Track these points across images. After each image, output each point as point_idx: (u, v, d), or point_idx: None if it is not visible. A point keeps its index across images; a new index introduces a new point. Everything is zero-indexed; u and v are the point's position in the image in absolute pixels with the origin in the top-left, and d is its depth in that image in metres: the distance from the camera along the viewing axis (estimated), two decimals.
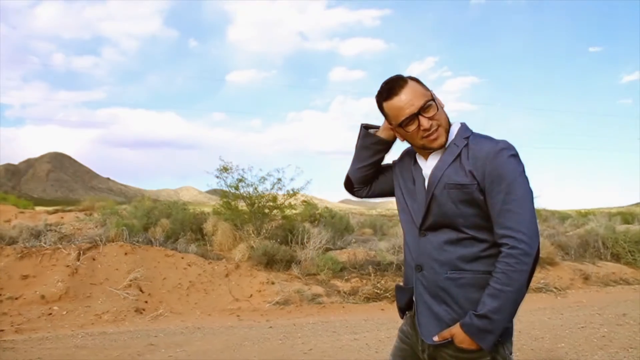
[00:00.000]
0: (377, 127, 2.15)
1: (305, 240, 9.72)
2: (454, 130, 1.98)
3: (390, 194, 2.22)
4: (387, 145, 2.14)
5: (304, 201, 11.44)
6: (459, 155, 1.90)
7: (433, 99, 1.93)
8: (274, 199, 10.49)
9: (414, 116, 1.90)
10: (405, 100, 1.91)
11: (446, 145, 1.94)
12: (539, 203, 14.83)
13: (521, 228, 1.76)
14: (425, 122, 1.90)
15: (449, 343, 1.87)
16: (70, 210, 25.34)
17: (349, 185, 2.28)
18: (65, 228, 10.04)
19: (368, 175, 2.20)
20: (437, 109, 1.92)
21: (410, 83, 1.94)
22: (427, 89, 1.96)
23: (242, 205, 10.62)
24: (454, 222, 1.89)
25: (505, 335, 1.87)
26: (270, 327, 6.58)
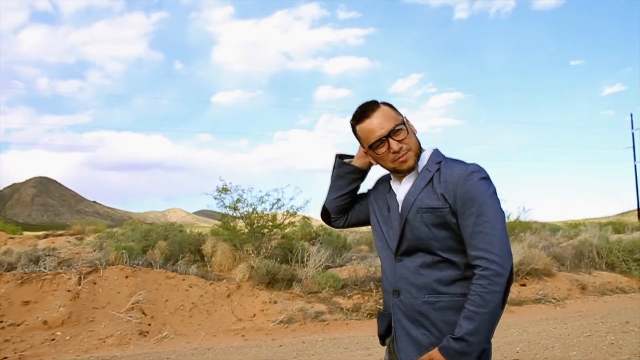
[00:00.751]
0: (352, 157, 2.20)
1: (305, 258, 9.74)
2: (426, 155, 2.02)
3: (367, 222, 2.24)
4: (362, 173, 2.18)
5: (305, 217, 11.47)
6: (431, 179, 1.94)
7: (404, 123, 1.98)
8: (274, 218, 10.54)
9: (384, 139, 1.95)
10: (376, 124, 1.96)
11: (418, 170, 1.99)
12: (531, 216, 14.99)
13: (493, 249, 1.79)
14: (394, 145, 1.95)
15: None
16: (60, 235, 25.13)
17: (326, 215, 2.31)
18: (63, 252, 9.97)
19: (344, 204, 2.24)
20: (407, 133, 1.97)
21: (383, 107, 1.99)
22: (399, 114, 2.02)
23: (240, 225, 10.63)
24: (428, 245, 1.91)
25: (484, 357, 1.88)
26: (280, 345, 6.59)
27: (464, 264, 1.89)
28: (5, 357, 6.56)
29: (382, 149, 1.97)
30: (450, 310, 1.88)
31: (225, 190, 10.37)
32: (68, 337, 7.21)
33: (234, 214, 10.45)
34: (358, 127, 2.02)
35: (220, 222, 10.89)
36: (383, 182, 2.17)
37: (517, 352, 5.62)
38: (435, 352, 1.85)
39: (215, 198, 10.49)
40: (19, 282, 8.23)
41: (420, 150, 2.01)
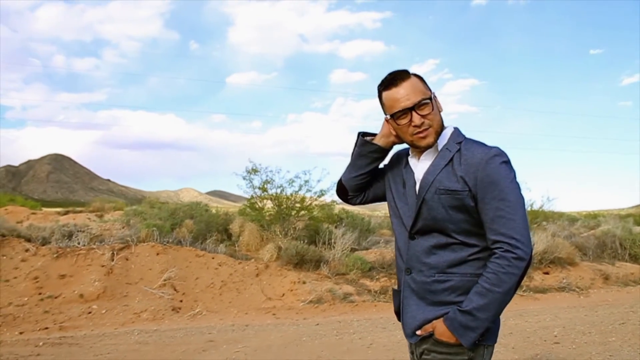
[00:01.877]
0: (374, 135, 2.14)
1: (332, 241, 9.86)
2: (447, 134, 1.99)
3: (384, 199, 2.22)
4: (384, 153, 2.12)
5: (333, 201, 11.52)
6: (451, 160, 1.91)
7: (430, 98, 1.94)
8: (302, 200, 10.65)
9: (408, 110, 1.92)
10: (402, 94, 1.93)
11: (438, 149, 1.96)
12: (553, 206, 14.93)
13: (515, 234, 1.78)
14: (417, 119, 1.91)
15: (429, 336, 1.89)
16: (80, 212, 25.46)
17: (344, 192, 2.27)
18: (94, 229, 10.16)
19: (363, 183, 2.19)
20: (432, 109, 1.93)
21: (413, 79, 1.96)
22: (428, 89, 1.98)
23: (268, 206, 10.76)
24: (444, 227, 1.90)
25: (489, 337, 1.89)
26: (317, 324, 6.73)
27: (477, 246, 1.89)
28: (47, 327, 6.76)
29: (404, 121, 1.94)
30: (460, 289, 1.88)
31: (255, 171, 10.49)
32: (104, 311, 7.39)
33: (263, 195, 10.57)
34: (384, 94, 1.99)
35: (247, 203, 11.02)
36: (400, 157, 2.14)
37: (555, 336, 5.72)
38: (439, 322, 1.86)
39: (244, 178, 10.61)
40: (55, 256, 8.42)
41: (441, 128, 1.98)
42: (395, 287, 2.13)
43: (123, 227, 11.01)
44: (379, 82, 2.02)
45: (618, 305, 8.00)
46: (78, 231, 9.77)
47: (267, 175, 10.53)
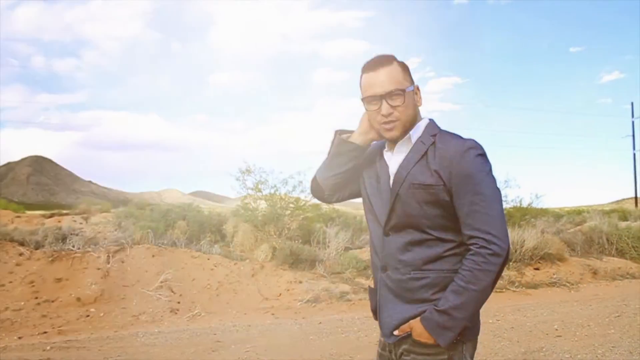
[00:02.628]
0: (351, 132, 2.07)
1: (327, 240, 9.94)
2: (422, 126, 1.95)
3: (359, 194, 2.16)
4: (362, 151, 2.05)
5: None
6: (426, 153, 1.87)
7: (403, 90, 1.89)
8: (297, 200, 10.72)
9: (379, 98, 1.89)
10: (378, 80, 1.89)
11: (412, 141, 1.92)
12: (541, 202, 15.20)
13: (491, 229, 1.75)
14: (385, 108, 1.88)
15: (407, 336, 1.86)
16: (66, 214, 25.21)
17: (319, 191, 2.21)
18: (87, 231, 10.13)
19: (340, 182, 2.11)
20: (404, 102, 1.89)
21: (394, 66, 1.92)
22: (408, 80, 1.94)
23: (262, 206, 10.81)
24: (418, 222, 1.86)
25: (467, 335, 1.86)
26: (320, 323, 6.80)
27: (453, 241, 1.86)
28: (45, 332, 6.73)
29: (373, 107, 1.91)
30: (436, 286, 1.84)
31: (248, 171, 10.54)
32: (102, 314, 7.37)
33: (257, 195, 10.63)
34: (363, 77, 1.95)
35: (241, 203, 11.06)
36: (373, 150, 2.09)
37: (556, 330, 5.90)
38: (416, 322, 1.83)
39: (237, 179, 10.65)
40: (50, 259, 8.38)
41: (412, 123, 1.93)
42: (372, 285, 2.10)
43: (115, 230, 10.98)
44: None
45: (609, 299, 8.20)
46: (71, 234, 9.73)
47: (260, 176, 10.60)
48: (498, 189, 1.85)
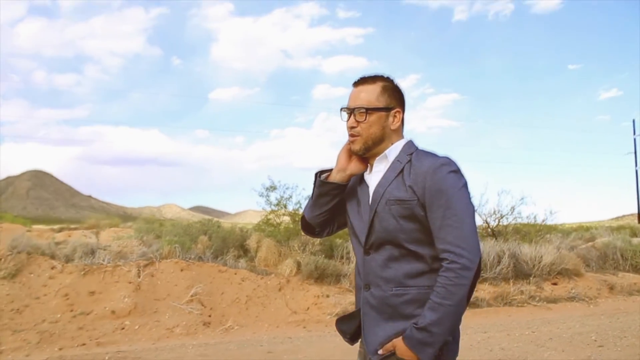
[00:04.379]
0: (330, 170, 2.15)
1: (351, 254, 10.09)
2: (399, 146, 2.04)
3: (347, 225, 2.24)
4: (343, 187, 2.14)
5: None
6: (402, 171, 1.95)
7: (371, 109, 2.01)
8: None
9: (349, 110, 2.05)
10: (355, 95, 2.05)
11: (389, 161, 2.02)
12: (556, 219, 15.33)
13: (460, 243, 1.82)
14: (349, 121, 2.04)
15: (392, 355, 1.91)
16: (75, 229, 25.37)
17: (310, 229, 2.28)
18: (113, 246, 10.30)
19: (328, 218, 2.21)
20: (365, 119, 2.01)
21: (376, 85, 2.04)
22: (384, 103, 2.04)
23: (286, 221, 10.99)
24: (396, 238, 1.92)
25: (447, 350, 1.91)
26: None
27: (431, 256, 1.91)
28: (84, 343, 6.89)
29: (344, 118, 2.07)
30: (418, 302, 1.89)
31: (272, 188, 10.74)
32: (137, 327, 7.52)
33: (282, 211, 10.81)
34: (351, 90, 2.10)
35: (264, 219, 11.25)
36: (354, 178, 2.16)
37: (595, 340, 6.06)
38: (399, 341, 1.88)
39: (261, 195, 10.85)
40: (82, 273, 8.54)
41: (373, 142, 2.03)
42: (353, 308, 2.18)
43: (139, 244, 11.13)
44: None
45: (633, 312, 8.38)
46: (99, 249, 9.91)
47: (284, 192, 10.80)
48: (471, 204, 1.93)
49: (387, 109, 2.04)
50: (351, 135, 2.04)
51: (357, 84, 2.07)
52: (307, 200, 2.27)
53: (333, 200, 2.14)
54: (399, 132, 2.09)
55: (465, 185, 1.92)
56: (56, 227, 26.84)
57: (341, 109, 2.07)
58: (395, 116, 2.06)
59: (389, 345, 1.91)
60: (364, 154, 2.06)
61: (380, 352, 1.93)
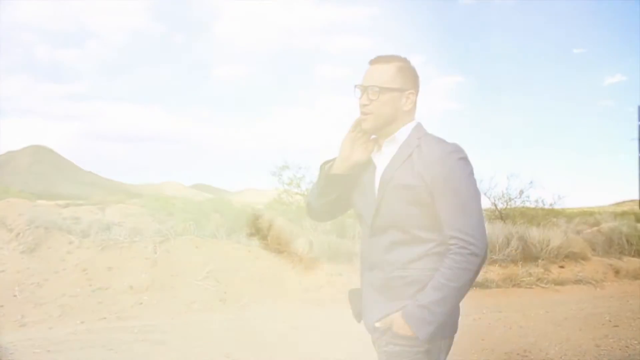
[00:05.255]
0: (334, 160, 2.15)
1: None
2: (409, 128, 2.04)
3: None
4: (349, 177, 2.12)
5: None
6: (410, 155, 1.96)
7: (380, 88, 2.00)
8: None
9: (363, 88, 2.03)
10: (370, 74, 2.04)
11: (399, 143, 2.02)
12: (563, 204, 15.46)
13: (469, 230, 1.85)
14: (362, 99, 2.02)
15: (388, 329, 1.95)
16: (80, 204, 25.53)
17: (316, 214, 2.30)
18: (128, 222, 10.42)
19: (335, 203, 2.19)
20: (378, 98, 2.00)
21: (390, 66, 2.03)
22: (399, 83, 2.03)
23: (299, 200, 11.10)
24: (402, 222, 1.94)
25: (445, 331, 1.96)
26: None
27: (435, 240, 1.93)
28: (105, 317, 7.04)
29: (359, 95, 2.05)
30: (419, 283, 1.91)
31: (285, 167, 10.85)
32: (155, 302, 7.67)
33: (297, 191, 10.93)
34: (367, 68, 2.09)
35: (277, 197, 11.36)
36: None
37: (610, 321, 6.24)
38: (397, 316, 1.91)
39: (274, 174, 10.95)
40: (100, 248, 8.67)
41: (384, 121, 2.02)
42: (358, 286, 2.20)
43: (153, 221, 11.25)
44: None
45: None
46: (114, 225, 10.03)
47: (296, 171, 10.90)
48: (478, 191, 1.96)
49: (400, 90, 2.04)
50: (363, 114, 2.03)
51: (373, 62, 2.07)
52: (312, 186, 2.28)
53: (339, 189, 2.14)
54: (410, 113, 2.09)
55: (472, 172, 1.96)
56: (61, 202, 26.99)
57: (355, 86, 2.07)
58: (408, 97, 2.05)
59: (387, 320, 1.95)
60: (374, 132, 2.07)
61: (377, 324, 1.98)
